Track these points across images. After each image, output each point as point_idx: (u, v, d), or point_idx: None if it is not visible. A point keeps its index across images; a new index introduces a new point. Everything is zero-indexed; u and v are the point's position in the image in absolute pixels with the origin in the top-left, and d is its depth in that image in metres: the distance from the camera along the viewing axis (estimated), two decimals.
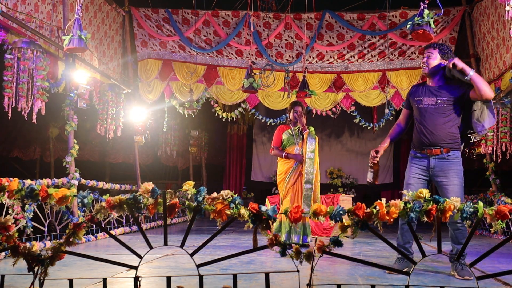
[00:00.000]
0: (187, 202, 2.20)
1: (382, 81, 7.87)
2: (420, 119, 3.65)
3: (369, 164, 3.70)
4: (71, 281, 2.15)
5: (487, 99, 3.43)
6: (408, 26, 4.40)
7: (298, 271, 2.09)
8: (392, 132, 3.91)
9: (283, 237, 5.09)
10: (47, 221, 5.29)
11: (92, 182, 6.29)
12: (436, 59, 3.62)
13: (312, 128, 5.38)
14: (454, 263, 3.49)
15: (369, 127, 8.55)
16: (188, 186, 2.22)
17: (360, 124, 8.53)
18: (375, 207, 2.13)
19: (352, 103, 8.15)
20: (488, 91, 3.38)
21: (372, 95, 7.98)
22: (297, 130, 5.40)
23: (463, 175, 3.61)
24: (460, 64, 3.45)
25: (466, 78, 3.41)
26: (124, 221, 7.09)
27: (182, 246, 2.16)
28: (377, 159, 3.67)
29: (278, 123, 9.13)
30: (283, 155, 5.28)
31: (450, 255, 3.60)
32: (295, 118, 5.35)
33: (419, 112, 3.67)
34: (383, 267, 2.36)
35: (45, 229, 5.21)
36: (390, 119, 8.13)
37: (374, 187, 11.84)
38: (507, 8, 4.30)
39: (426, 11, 4.22)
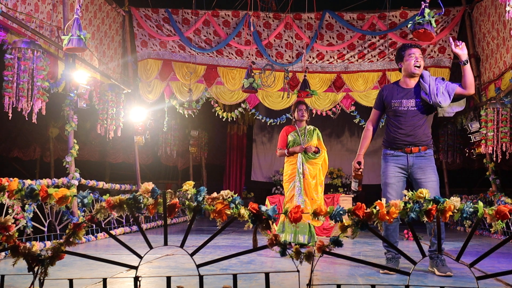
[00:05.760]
0: (187, 202, 2.19)
1: (382, 81, 7.86)
2: (399, 120, 3.69)
3: (353, 175, 3.82)
4: (71, 281, 2.15)
5: (470, 94, 3.63)
6: (409, 25, 4.39)
7: (298, 271, 2.09)
8: (365, 138, 3.93)
9: (288, 237, 5.09)
10: (47, 221, 5.29)
11: (92, 182, 6.29)
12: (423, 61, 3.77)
13: (317, 130, 5.42)
14: (434, 259, 3.52)
15: None
16: (188, 186, 2.22)
17: (360, 124, 8.51)
18: (375, 207, 2.13)
19: (352, 103, 8.15)
20: (473, 86, 3.56)
21: (372, 95, 7.97)
22: (303, 130, 5.38)
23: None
24: (465, 50, 3.52)
25: (461, 63, 3.53)
26: (124, 221, 7.09)
27: (182, 246, 2.16)
28: (361, 170, 3.78)
29: (278, 123, 9.15)
30: (285, 151, 5.31)
31: (429, 251, 3.60)
32: (301, 116, 5.34)
33: (396, 114, 3.70)
34: (383, 267, 2.36)
35: (45, 229, 5.21)
36: None
37: (374, 187, 11.83)
38: (508, 8, 4.30)
39: (427, 10, 4.20)
